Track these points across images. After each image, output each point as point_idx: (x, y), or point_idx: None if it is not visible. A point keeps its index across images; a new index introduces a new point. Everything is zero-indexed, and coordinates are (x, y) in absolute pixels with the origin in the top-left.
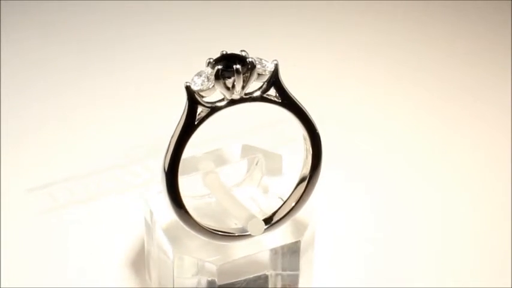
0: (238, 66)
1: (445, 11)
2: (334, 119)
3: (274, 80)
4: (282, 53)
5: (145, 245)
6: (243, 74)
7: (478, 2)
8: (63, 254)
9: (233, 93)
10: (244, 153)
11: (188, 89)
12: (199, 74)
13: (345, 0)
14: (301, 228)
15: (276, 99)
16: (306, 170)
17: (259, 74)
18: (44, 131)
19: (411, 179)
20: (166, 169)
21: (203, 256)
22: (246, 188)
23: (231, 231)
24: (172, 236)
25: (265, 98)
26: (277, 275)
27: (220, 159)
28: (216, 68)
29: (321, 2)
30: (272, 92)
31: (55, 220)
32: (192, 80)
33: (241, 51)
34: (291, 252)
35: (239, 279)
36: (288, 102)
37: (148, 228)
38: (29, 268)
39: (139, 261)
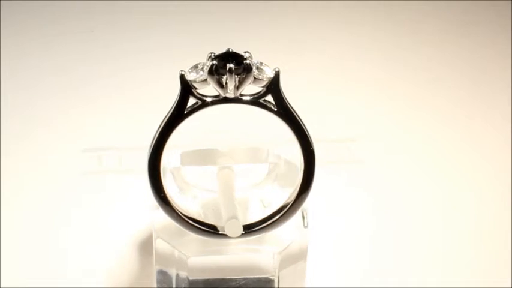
0: (231, 65)
1: (444, 11)
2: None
3: (272, 87)
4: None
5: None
6: (238, 75)
7: (478, 2)
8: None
9: (227, 91)
10: (267, 158)
11: (182, 77)
12: (196, 66)
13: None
14: (280, 243)
15: (272, 106)
16: (296, 187)
17: (255, 78)
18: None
19: (410, 179)
20: (150, 154)
21: (181, 247)
22: (260, 191)
23: (211, 228)
24: (161, 223)
25: (260, 103)
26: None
27: (242, 158)
28: (211, 63)
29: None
30: (270, 99)
31: (96, 182)
32: (188, 69)
33: (245, 52)
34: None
35: (213, 277)
36: (283, 112)
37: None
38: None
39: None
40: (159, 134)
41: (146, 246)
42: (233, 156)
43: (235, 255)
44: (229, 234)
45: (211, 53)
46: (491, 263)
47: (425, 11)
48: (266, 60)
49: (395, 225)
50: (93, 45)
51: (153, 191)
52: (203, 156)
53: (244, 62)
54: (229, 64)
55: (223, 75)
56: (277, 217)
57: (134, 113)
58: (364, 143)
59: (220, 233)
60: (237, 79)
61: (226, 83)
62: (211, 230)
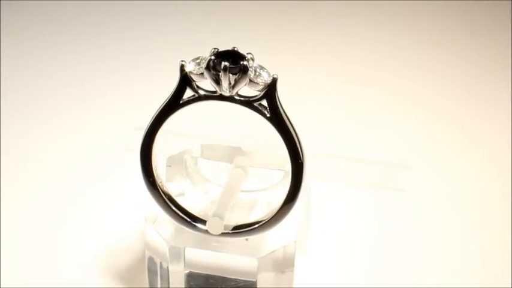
0: (226, 63)
1: (445, 11)
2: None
3: (268, 93)
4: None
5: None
6: (233, 74)
7: (478, 2)
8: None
9: (222, 89)
10: (284, 165)
11: (182, 67)
12: (197, 58)
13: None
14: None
15: (265, 112)
16: (283, 197)
17: (251, 81)
18: None
19: (411, 179)
20: (143, 139)
21: (167, 236)
22: (268, 194)
23: (196, 222)
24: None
25: (254, 106)
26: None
27: (259, 161)
28: (209, 58)
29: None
30: (266, 103)
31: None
32: (189, 61)
33: (247, 53)
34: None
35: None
36: (276, 119)
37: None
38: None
39: None
40: (154, 120)
41: None
42: (252, 157)
43: (218, 253)
44: (209, 231)
45: (215, 49)
46: (491, 263)
47: (425, 11)
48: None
49: (395, 226)
50: (96, 44)
51: (143, 174)
52: (223, 152)
53: (241, 62)
54: (225, 62)
55: (219, 71)
56: (259, 224)
57: (134, 113)
58: (413, 173)
59: (199, 226)
60: (232, 78)
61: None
62: (192, 222)
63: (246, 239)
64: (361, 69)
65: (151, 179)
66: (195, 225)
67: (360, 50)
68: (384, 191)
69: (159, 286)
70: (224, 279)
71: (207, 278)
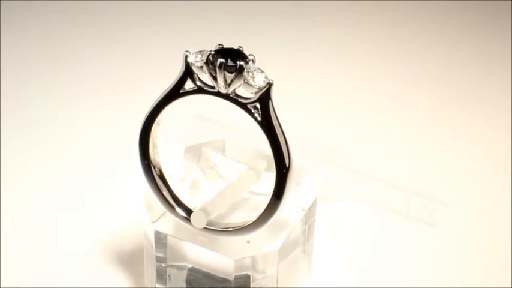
0: (222, 60)
1: (444, 11)
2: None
3: (261, 97)
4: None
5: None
6: (229, 72)
7: (478, 2)
8: None
9: (218, 85)
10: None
11: (186, 58)
12: (201, 51)
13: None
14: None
15: (257, 115)
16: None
17: (246, 82)
18: None
19: (410, 179)
20: (143, 123)
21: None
22: None
23: (183, 210)
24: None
25: (247, 108)
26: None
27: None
28: (209, 52)
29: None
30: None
31: None
32: (193, 52)
33: (250, 54)
34: None
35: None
36: (266, 124)
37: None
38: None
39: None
40: (154, 106)
41: None
42: (271, 163)
43: (195, 245)
44: (192, 222)
45: (219, 45)
46: (491, 263)
47: (424, 12)
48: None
49: (395, 226)
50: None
51: (140, 156)
52: (244, 152)
53: (237, 62)
54: (221, 59)
55: (217, 68)
56: (231, 229)
57: (133, 113)
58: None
59: (180, 213)
60: (228, 76)
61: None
62: (175, 207)
63: (248, 242)
64: (399, 87)
65: (146, 162)
66: (177, 212)
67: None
68: (408, 220)
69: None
70: (205, 274)
71: (189, 269)
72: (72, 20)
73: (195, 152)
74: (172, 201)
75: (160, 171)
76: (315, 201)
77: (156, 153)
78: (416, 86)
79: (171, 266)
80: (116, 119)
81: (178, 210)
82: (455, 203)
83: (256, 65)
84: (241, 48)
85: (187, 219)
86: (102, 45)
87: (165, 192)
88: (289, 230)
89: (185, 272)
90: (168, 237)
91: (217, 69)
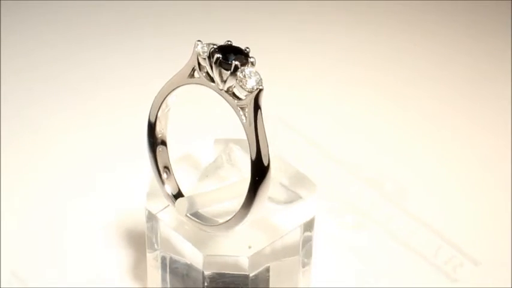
0: (219, 55)
1: (444, 11)
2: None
3: (250, 101)
4: None
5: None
6: (225, 70)
7: (478, 2)
8: None
9: (216, 80)
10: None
11: (195, 46)
12: (209, 44)
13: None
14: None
15: (243, 117)
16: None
17: (238, 83)
18: None
19: (410, 180)
20: (152, 105)
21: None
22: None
23: (173, 193)
24: (195, 238)
25: (236, 108)
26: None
27: (285, 182)
28: (212, 47)
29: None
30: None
31: None
32: (204, 43)
33: (251, 57)
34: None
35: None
36: (249, 127)
37: (152, 234)
38: None
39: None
40: (162, 90)
41: None
42: (285, 174)
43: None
44: (176, 208)
45: (228, 41)
46: (491, 263)
47: (424, 11)
48: None
49: (395, 226)
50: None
51: (147, 133)
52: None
53: (233, 61)
54: (218, 55)
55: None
56: (209, 225)
57: (133, 113)
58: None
59: (167, 190)
60: (224, 73)
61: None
62: (163, 183)
63: (250, 247)
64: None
65: (151, 140)
66: (164, 188)
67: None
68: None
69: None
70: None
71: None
72: (72, 19)
73: (221, 145)
74: (168, 184)
75: (163, 151)
76: (312, 219)
77: (164, 134)
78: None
79: (165, 255)
80: (116, 119)
81: (164, 184)
82: (487, 263)
83: (254, 68)
84: (247, 50)
85: (168, 194)
86: (102, 45)
87: (164, 171)
88: (271, 240)
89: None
90: (160, 222)
91: (213, 64)
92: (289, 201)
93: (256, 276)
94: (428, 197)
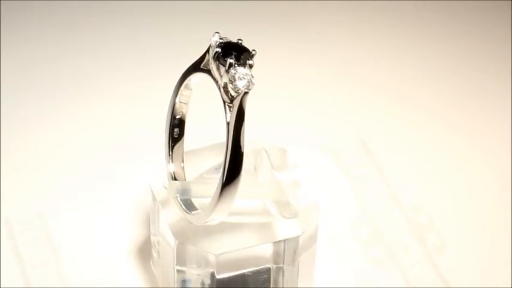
0: (218, 49)
1: (443, 11)
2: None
3: (235, 102)
4: None
5: (151, 230)
6: (221, 65)
7: (478, 2)
8: None
9: (214, 74)
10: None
11: (213, 36)
12: (223, 37)
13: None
14: (302, 224)
15: (228, 115)
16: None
17: (229, 82)
18: None
19: (410, 180)
20: (173, 91)
21: (204, 245)
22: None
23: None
24: (174, 225)
25: (225, 104)
26: (278, 268)
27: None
28: (219, 40)
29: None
30: None
31: None
32: (220, 35)
33: (251, 59)
34: (292, 247)
35: (240, 271)
36: (228, 127)
37: (153, 216)
38: None
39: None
40: (181, 76)
41: None
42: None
43: None
44: (168, 188)
45: (239, 39)
46: (491, 263)
47: (424, 11)
48: None
49: (395, 226)
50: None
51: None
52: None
53: (229, 60)
54: (217, 48)
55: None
56: (184, 211)
57: (133, 113)
58: None
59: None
60: (221, 69)
61: None
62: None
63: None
64: None
65: (170, 126)
66: (168, 166)
67: None
68: None
69: None
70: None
71: None
72: (72, 20)
73: (254, 146)
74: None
75: (179, 140)
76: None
77: (183, 114)
78: None
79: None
80: (117, 119)
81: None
82: (487, 263)
83: (250, 71)
84: (253, 52)
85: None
86: (103, 45)
87: (176, 159)
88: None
89: None
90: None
91: (211, 58)
92: (290, 216)
93: (228, 278)
94: (429, 197)
